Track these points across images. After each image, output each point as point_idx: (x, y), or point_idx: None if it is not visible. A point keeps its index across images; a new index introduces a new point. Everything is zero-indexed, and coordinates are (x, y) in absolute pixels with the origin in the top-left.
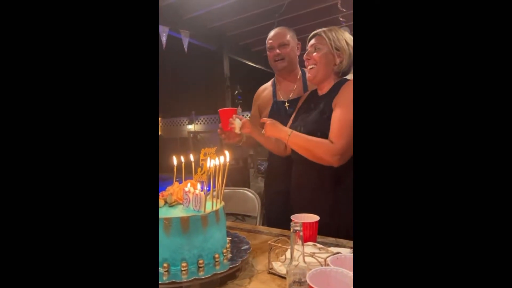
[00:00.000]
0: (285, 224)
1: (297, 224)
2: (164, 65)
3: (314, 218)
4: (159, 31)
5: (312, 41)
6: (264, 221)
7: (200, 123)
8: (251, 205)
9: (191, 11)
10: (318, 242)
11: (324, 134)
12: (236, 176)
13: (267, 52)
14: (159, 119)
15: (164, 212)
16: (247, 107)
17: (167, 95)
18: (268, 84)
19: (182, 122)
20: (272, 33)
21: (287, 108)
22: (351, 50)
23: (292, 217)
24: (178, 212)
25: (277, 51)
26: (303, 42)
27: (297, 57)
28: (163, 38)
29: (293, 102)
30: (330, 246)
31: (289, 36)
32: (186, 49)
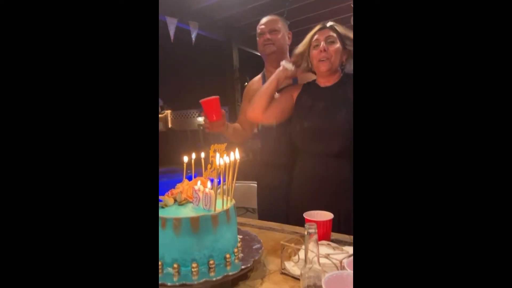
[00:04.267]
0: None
1: (312, 226)
2: (173, 58)
3: (328, 216)
4: (167, 23)
5: (323, 33)
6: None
7: None
8: None
9: (199, 2)
10: (332, 240)
11: (336, 128)
12: (246, 169)
13: (257, 39)
14: (170, 111)
15: (173, 211)
16: None
17: (176, 87)
18: (258, 77)
19: (192, 115)
20: (264, 20)
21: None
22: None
23: (304, 214)
24: (188, 211)
25: (268, 35)
26: (307, 32)
27: (287, 46)
28: (171, 30)
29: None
30: (344, 245)
31: (281, 24)
32: (193, 41)
